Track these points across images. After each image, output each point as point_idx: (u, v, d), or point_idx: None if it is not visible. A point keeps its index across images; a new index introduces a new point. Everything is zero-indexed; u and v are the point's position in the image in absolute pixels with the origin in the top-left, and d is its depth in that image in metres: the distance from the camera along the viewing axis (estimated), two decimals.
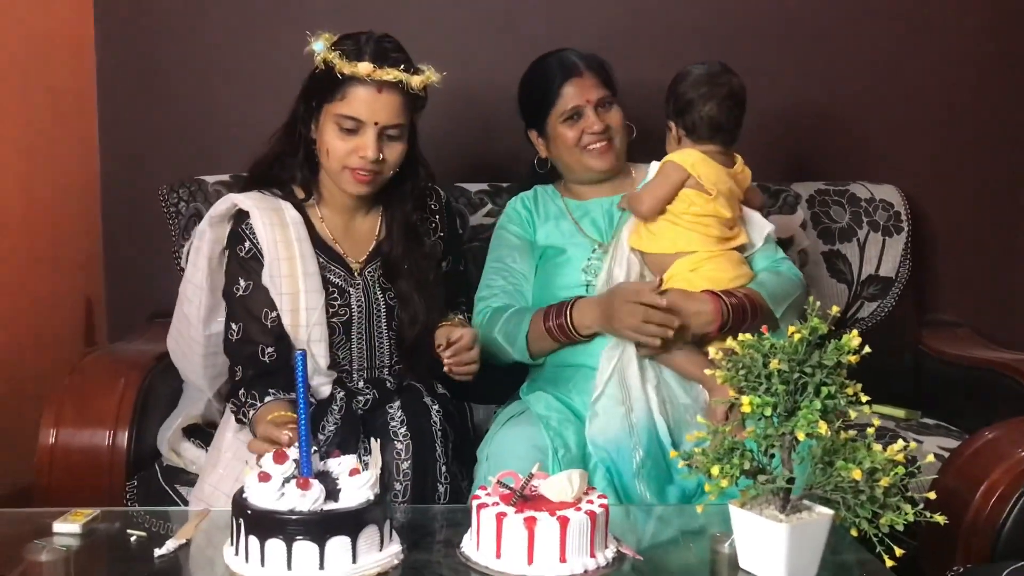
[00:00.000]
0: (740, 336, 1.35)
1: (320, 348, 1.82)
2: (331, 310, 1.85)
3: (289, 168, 1.89)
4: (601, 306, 1.85)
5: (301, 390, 1.34)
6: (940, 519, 1.26)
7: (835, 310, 1.38)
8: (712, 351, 1.38)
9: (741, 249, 1.93)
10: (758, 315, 1.82)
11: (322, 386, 1.82)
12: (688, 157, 1.88)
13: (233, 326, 1.83)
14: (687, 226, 1.88)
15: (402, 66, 1.78)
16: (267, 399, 1.74)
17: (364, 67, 1.75)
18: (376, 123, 1.78)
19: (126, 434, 1.92)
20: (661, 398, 1.82)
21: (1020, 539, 1.67)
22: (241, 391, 1.77)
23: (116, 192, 2.57)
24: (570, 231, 2.03)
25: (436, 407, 1.85)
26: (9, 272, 2.23)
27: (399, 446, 1.77)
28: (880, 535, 1.25)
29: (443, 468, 1.79)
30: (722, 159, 1.91)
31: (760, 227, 1.98)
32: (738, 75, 1.92)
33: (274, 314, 1.81)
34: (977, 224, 2.65)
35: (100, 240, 2.59)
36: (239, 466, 1.75)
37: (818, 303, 1.34)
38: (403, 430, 1.79)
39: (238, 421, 1.80)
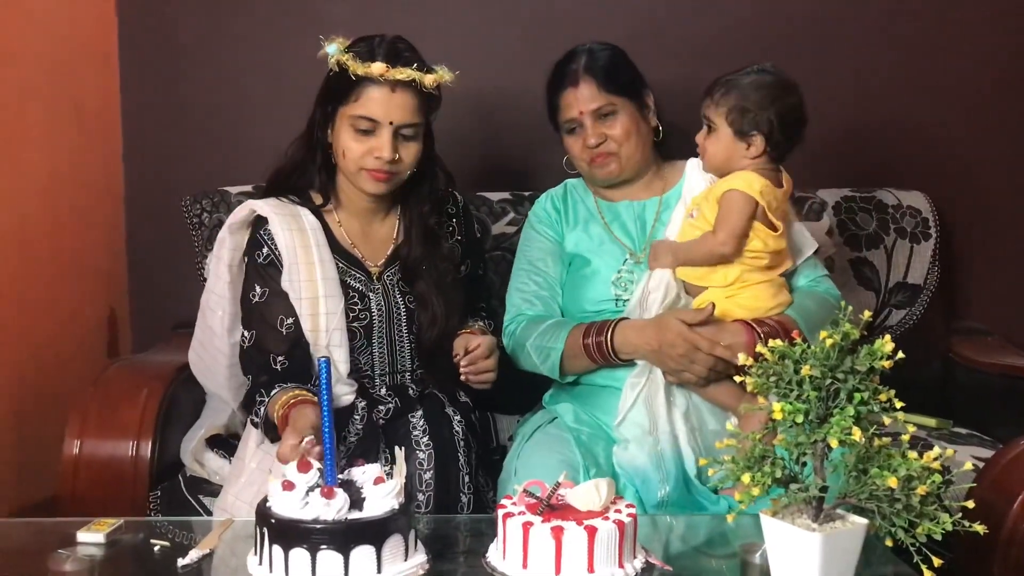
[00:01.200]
0: (771, 343, 1.32)
1: (340, 353, 1.81)
2: (351, 315, 1.84)
3: (308, 175, 1.90)
4: (646, 334, 1.77)
5: (324, 397, 1.33)
6: (980, 528, 1.22)
7: (867, 315, 1.35)
8: (742, 357, 1.35)
9: (784, 271, 1.86)
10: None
11: (344, 395, 1.81)
12: (754, 184, 1.77)
13: (246, 333, 1.83)
14: (739, 261, 1.79)
15: (415, 65, 1.79)
16: (274, 391, 1.74)
17: (377, 67, 1.75)
18: (391, 123, 1.78)
19: (149, 444, 1.92)
20: (690, 426, 1.77)
21: None
22: (256, 395, 1.77)
23: (140, 203, 2.58)
24: (600, 237, 1.98)
25: (458, 417, 1.84)
26: (34, 283, 2.24)
27: (421, 456, 1.76)
28: (918, 544, 1.22)
29: (466, 478, 1.78)
30: (775, 178, 1.81)
31: (805, 244, 1.91)
32: None
33: (290, 321, 1.80)
34: (1006, 230, 2.61)
35: (124, 251, 2.60)
36: (262, 476, 1.74)
37: (850, 307, 1.32)
38: (425, 440, 1.78)
39: (255, 425, 1.80)
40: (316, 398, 1.67)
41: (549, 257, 1.99)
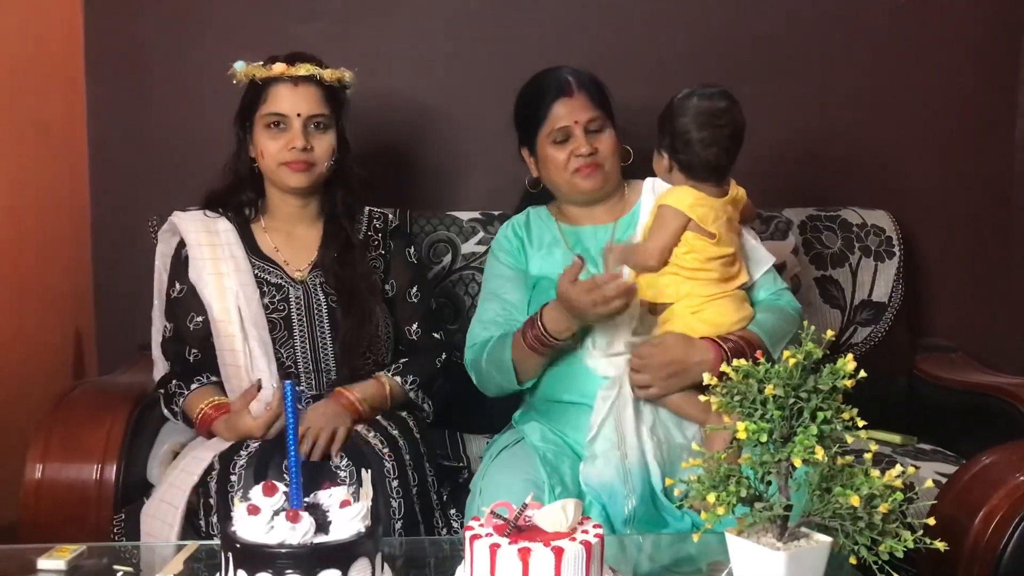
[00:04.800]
0: (735, 362, 1.33)
1: (259, 348, 1.89)
2: (270, 307, 1.94)
3: (239, 192, 2.03)
4: (559, 305, 1.79)
5: (291, 420, 1.32)
6: (940, 545, 1.24)
7: (830, 334, 1.36)
8: (707, 377, 1.36)
9: (741, 285, 1.88)
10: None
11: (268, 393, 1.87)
12: (684, 199, 1.81)
13: (167, 324, 2.02)
14: (688, 275, 1.83)
15: (314, 62, 1.95)
16: (193, 387, 1.94)
17: (278, 67, 1.93)
18: (299, 114, 1.93)
19: (114, 467, 1.90)
20: (656, 439, 1.78)
21: (1021, 565, 1.65)
22: (171, 383, 1.96)
23: (106, 224, 2.56)
24: (564, 259, 1.97)
25: (387, 450, 1.80)
26: None
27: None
28: (880, 562, 1.23)
29: (395, 503, 1.76)
30: (716, 191, 1.85)
31: (762, 261, 1.94)
32: (739, 104, 1.84)
33: (199, 319, 1.95)
34: (969, 248, 2.65)
35: (90, 272, 2.57)
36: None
37: (812, 327, 1.33)
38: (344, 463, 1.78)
39: (168, 409, 1.97)
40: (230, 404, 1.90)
41: (509, 283, 2.01)
